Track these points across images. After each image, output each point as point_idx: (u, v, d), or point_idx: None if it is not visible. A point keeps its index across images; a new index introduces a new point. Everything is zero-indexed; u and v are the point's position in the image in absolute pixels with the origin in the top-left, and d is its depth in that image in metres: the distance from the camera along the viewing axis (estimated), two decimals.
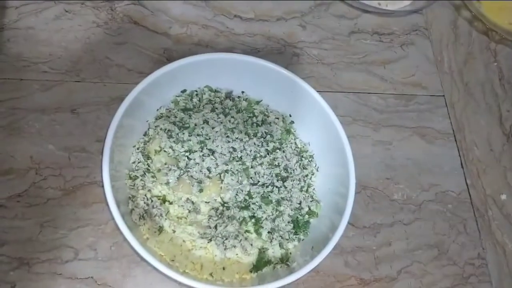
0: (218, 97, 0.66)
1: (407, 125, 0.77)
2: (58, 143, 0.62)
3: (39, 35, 0.69)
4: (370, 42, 0.83)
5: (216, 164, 0.61)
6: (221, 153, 0.61)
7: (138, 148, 0.62)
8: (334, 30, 0.82)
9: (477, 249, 0.70)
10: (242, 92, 0.68)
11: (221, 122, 0.64)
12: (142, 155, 0.61)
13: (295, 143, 0.67)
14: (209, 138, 0.62)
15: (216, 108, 0.65)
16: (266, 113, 0.67)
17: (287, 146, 0.66)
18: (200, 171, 0.60)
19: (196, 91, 0.66)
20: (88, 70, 0.68)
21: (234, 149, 0.62)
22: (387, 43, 0.83)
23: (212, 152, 0.61)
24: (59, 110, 0.64)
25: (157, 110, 0.64)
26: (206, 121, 0.63)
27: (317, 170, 0.67)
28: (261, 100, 0.68)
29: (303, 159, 0.66)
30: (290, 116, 0.69)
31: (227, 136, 0.63)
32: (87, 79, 0.67)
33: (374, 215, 0.69)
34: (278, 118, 0.68)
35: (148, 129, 0.63)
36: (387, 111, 0.77)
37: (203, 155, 0.61)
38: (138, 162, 0.61)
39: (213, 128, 0.63)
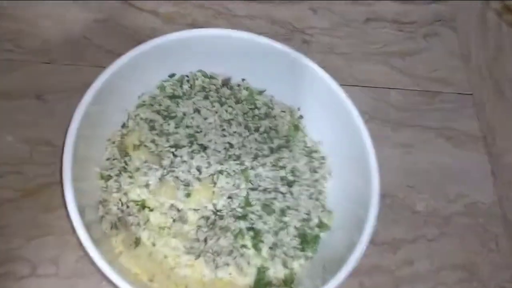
0: (214, 84, 0.60)
1: (430, 125, 0.72)
2: (19, 134, 0.58)
3: (5, 9, 0.65)
4: (389, 31, 0.77)
5: (208, 163, 0.54)
6: (214, 149, 0.55)
7: (113, 142, 0.55)
8: (348, 15, 0.77)
9: (510, 270, 0.63)
10: (243, 79, 0.62)
11: (216, 112, 0.57)
12: (118, 151, 0.55)
13: (304, 141, 0.61)
14: (201, 131, 0.55)
15: (211, 97, 0.59)
16: (270, 105, 0.61)
17: (294, 144, 0.60)
18: (188, 171, 0.53)
19: (187, 76, 0.60)
20: (60, 51, 0.63)
21: (231, 145, 0.56)
22: (408, 33, 0.78)
23: (204, 148, 0.55)
24: (22, 96, 0.60)
25: (139, 97, 0.58)
26: (197, 110, 0.57)
27: (330, 175, 0.60)
28: (265, 90, 0.62)
29: (313, 160, 0.60)
30: (299, 109, 0.62)
31: (223, 129, 0.56)
32: (58, 60, 0.63)
33: (394, 229, 0.63)
34: (284, 112, 0.61)
35: (127, 119, 0.57)
36: (408, 109, 0.72)
37: (192, 151, 0.54)
38: (113, 159, 0.54)
39: (205, 118, 0.57)
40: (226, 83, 0.61)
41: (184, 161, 0.54)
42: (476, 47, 0.79)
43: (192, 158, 0.54)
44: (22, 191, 0.54)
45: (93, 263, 0.50)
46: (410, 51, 0.76)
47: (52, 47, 0.63)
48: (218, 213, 0.53)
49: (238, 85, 0.61)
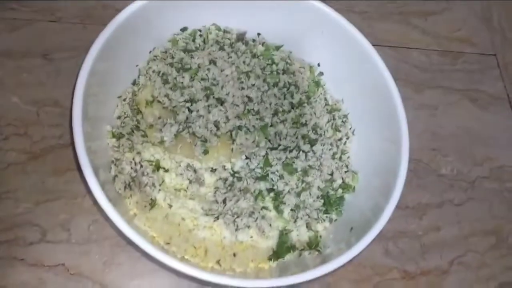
0: (228, 39, 0.57)
1: (455, 87, 0.69)
2: (25, 94, 0.55)
3: None
4: None
5: (226, 117, 0.51)
6: (232, 103, 0.52)
7: (124, 99, 0.52)
8: None
9: None
10: (258, 34, 0.58)
11: (233, 63, 0.54)
12: (130, 108, 0.52)
13: (325, 99, 0.58)
14: (217, 84, 0.52)
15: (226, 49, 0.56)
16: (289, 61, 0.58)
17: (315, 101, 0.56)
18: (205, 126, 0.50)
19: (200, 30, 0.57)
20: (66, 9, 0.61)
21: (250, 99, 0.52)
22: None
23: (221, 102, 0.52)
24: (27, 55, 0.58)
25: (150, 52, 0.55)
26: (213, 61, 0.53)
27: (353, 134, 0.57)
28: (282, 46, 0.58)
29: (335, 118, 0.57)
30: (319, 65, 0.59)
31: (241, 82, 0.53)
32: (64, 19, 0.61)
33: (419, 193, 0.61)
34: (303, 68, 0.58)
35: (138, 76, 0.54)
36: (431, 70, 0.70)
37: (209, 105, 0.51)
38: (125, 117, 0.51)
39: (222, 70, 0.53)
40: (241, 37, 0.58)
41: (200, 116, 0.50)
42: (497, 9, 0.76)
43: (209, 112, 0.51)
44: (29, 154, 0.53)
45: (107, 227, 0.49)
46: (430, 10, 0.74)
47: (58, 5, 0.61)
48: (236, 174, 0.51)
49: (254, 40, 0.58)
